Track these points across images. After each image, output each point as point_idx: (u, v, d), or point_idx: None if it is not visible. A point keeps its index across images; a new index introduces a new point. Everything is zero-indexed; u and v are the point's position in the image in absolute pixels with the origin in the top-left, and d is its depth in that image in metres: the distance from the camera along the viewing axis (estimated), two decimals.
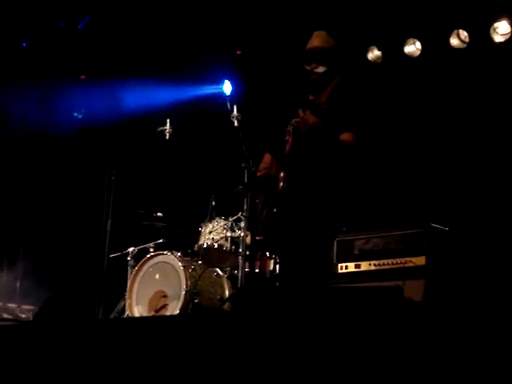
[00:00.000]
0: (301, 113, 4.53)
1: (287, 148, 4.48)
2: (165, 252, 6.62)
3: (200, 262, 6.57)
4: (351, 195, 4.56)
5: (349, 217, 4.70)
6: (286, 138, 4.54)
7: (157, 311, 6.37)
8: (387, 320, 2.68)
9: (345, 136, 4.44)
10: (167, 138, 6.72)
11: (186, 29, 8.05)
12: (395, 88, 7.35)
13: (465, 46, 6.93)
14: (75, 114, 8.93)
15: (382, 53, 7.32)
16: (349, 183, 4.53)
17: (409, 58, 7.22)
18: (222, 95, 6.92)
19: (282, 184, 4.42)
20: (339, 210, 4.51)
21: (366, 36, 7.30)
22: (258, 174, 4.65)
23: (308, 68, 4.57)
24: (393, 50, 7.26)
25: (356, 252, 6.12)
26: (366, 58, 7.35)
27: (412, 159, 7.22)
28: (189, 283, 6.28)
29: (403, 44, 7.17)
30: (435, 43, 7.03)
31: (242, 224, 6.22)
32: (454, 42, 6.94)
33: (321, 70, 4.55)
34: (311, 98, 4.61)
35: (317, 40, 4.66)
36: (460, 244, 6.11)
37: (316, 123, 4.37)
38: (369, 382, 2.62)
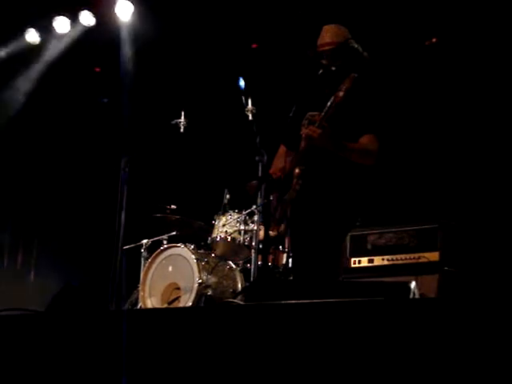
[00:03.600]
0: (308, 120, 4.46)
1: (302, 144, 4.45)
2: (178, 244, 6.63)
3: (213, 255, 6.58)
4: (366, 190, 4.54)
5: (363, 212, 4.69)
6: (302, 132, 4.51)
7: (169, 303, 6.38)
8: (394, 315, 2.68)
9: (365, 139, 4.40)
10: (182, 130, 6.72)
11: (202, 21, 8.06)
12: (406, 82, 7.32)
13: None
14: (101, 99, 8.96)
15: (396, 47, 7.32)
16: (363, 178, 4.52)
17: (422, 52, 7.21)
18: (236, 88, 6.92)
19: (296, 180, 4.40)
20: (354, 205, 4.50)
21: (382, 29, 7.28)
22: (274, 176, 4.61)
23: (323, 63, 4.54)
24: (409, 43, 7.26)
25: (369, 247, 6.10)
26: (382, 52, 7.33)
27: (427, 154, 7.20)
28: (202, 276, 6.29)
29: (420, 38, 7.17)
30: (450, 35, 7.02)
31: (256, 217, 6.22)
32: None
33: (334, 66, 4.51)
34: (327, 91, 4.59)
35: (327, 36, 4.59)
36: (474, 239, 6.09)
37: (321, 136, 4.31)
38: (379, 378, 2.62)
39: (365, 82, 4.50)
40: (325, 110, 4.34)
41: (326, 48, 4.54)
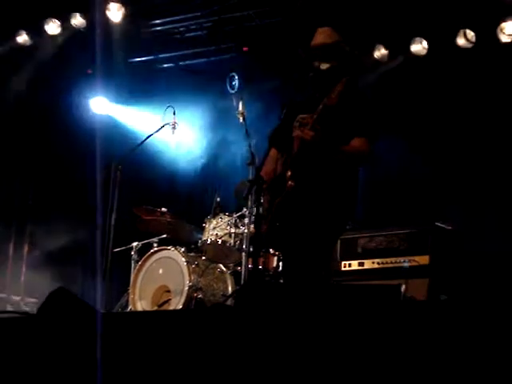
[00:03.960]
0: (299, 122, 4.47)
1: (295, 146, 4.44)
2: (168, 247, 6.63)
3: (203, 258, 6.58)
4: (357, 193, 4.54)
5: (354, 214, 4.68)
6: (294, 134, 4.51)
7: (160, 306, 6.38)
8: (385, 318, 2.68)
9: (356, 142, 4.40)
10: (173, 133, 6.72)
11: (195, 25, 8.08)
12: (401, 86, 7.35)
13: (471, 45, 6.94)
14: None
15: (389, 51, 7.35)
16: (355, 181, 4.51)
17: (415, 56, 7.24)
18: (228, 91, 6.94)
19: (290, 183, 4.40)
20: (345, 208, 4.50)
21: (373, 34, 7.30)
22: (265, 179, 4.60)
23: (314, 65, 4.55)
24: (400, 48, 7.28)
25: (359, 250, 6.13)
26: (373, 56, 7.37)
27: (416, 158, 7.22)
28: (192, 279, 6.29)
29: (410, 43, 7.20)
30: (442, 42, 7.05)
31: (246, 220, 6.22)
32: (461, 41, 6.95)
33: (324, 66, 4.51)
34: (318, 94, 4.60)
35: (320, 37, 4.61)
36: (464, 243, 6.11)
37: (314, 138, 4.31)
38: (370, 380, 2.62)
39: (357, 86, 4.50)
40: (317, 113, 4.34)
41: (318, 48, 4.55)
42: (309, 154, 4.37)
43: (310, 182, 4.41)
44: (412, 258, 5.86)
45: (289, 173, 4.41)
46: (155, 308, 6.36)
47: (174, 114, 6.66)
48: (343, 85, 4.29)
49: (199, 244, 6.67)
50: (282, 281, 5.75)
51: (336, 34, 4.65)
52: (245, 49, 8.04)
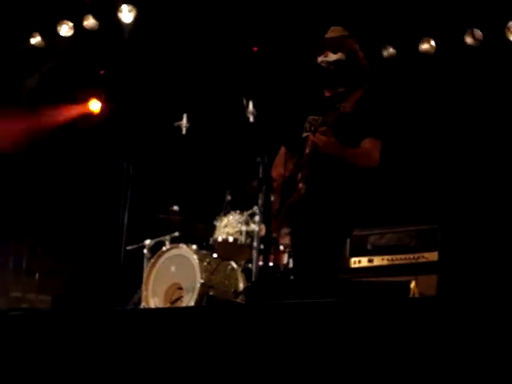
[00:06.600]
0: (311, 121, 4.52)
1: (307, 150, 4.47)
2: (180, 245, 6.68)
3: (215, 256, 6.63)
4: (368, 194, 4.57)
5: (365, 215, 4.71)
6: (305, 135, 4.55)
7: (172, 303, 6.43)
8: (394, 314, 2.71)
9: (366, 143, 4.43)
10: (184, 132, 6.76)
11: (201, 23, 8.09)
12: (409, 84, 7.36)
13: (479, 44, 6.95)
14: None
15: (397, 51, 7.37)
16: (366, 182, 4.55)
17: (424, 56, 7.26)
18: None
19: (301, 185, 4.44)
20: (356, 209, 4.54)
21: (381, 34, 7.31)
22: (275, 184, 4.64)
23: (320, 59, 4.57)
24: (408, 47, 7.30)
25: (369, 247, 6.16)
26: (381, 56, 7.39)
27: (427, 155, 7.23)
28: (204, 276, 6.33)
29: (418, 42, 7.22)
30: (450, 41, 7.07)
31: (257, 218, 6.26)
32: (469, 40, 6.97)
33: (333, 58, 4.54)
34: (327, 94, 4.63)
35: (332, 33, 4.68)
36: (473, 240, 6.12)
37: (327, 145, 4.35)
38: (379, 377, 2.65)
39: (374, 94, 4.53)
40: (332, 122, 4.36)
41: (330, 39, 4.61)
42: (320, 156, 4.40)
43: (321, 183, 4.45)
44: (421, 254, 5.90)
45: (300, 174, 4.45)
46: (168, 305, 6.41)
47: (185, 113, 6.71)
48: (361, 94, 4.32)
49: (210, 242, 6.71)
50: (292, 278, 5.79)
51: (347, 32, 4.72)
52: (254, 48, 8.06)
